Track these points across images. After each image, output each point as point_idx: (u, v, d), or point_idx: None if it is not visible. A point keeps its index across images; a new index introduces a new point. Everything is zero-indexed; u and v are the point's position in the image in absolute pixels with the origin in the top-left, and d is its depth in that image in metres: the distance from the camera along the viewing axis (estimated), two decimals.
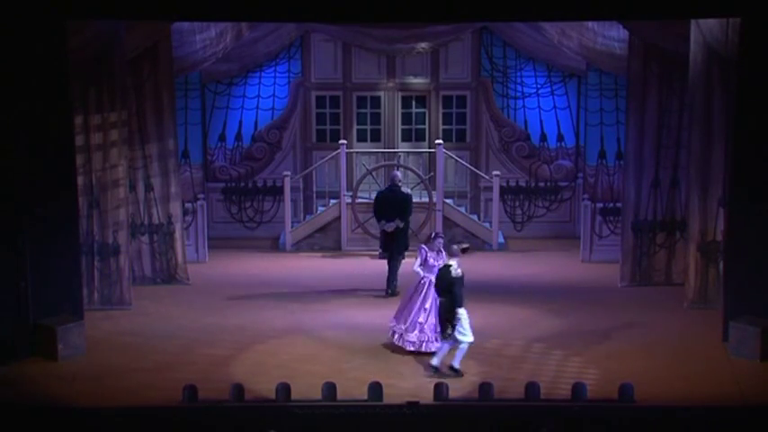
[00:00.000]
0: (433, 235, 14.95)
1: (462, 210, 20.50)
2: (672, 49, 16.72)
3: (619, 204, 18.65)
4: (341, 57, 20.99)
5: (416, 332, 14.53)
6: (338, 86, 21.08)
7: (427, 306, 14.56)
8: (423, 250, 14.77)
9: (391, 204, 17.72)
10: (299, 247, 20.24)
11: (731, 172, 14.98)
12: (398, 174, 18.22)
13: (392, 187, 17.93)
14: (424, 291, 14.64)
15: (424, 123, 21.23)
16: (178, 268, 18.03)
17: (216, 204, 21.03)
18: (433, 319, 14.41)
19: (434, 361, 13.91)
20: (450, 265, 13.88)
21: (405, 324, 14.65)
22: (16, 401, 12.79)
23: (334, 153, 20.21)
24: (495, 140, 21.11)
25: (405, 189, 18.33)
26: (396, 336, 14.77)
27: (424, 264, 14.69)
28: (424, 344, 14.48)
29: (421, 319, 14.54)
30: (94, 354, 14.62)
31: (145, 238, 17.88)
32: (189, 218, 19.18)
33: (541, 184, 21.04)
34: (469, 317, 13.86)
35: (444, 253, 14.39)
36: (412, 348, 14.51)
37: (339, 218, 20.19)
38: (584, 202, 19.57)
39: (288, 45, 20.81)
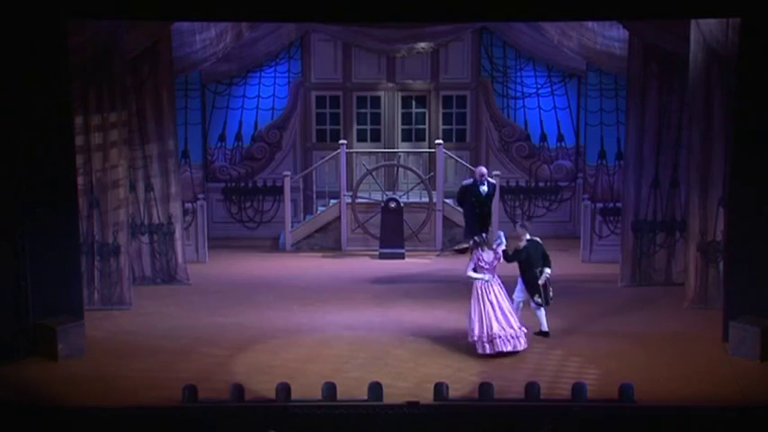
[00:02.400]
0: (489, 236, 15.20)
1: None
2: (672, 49, 16.72)
3: (619, 204, 18.66)
4: (341, 57, 21.00)
5: (506, 334, 14.48)
6: (338, 86, 21.09)
7: (505, 308, 14.59)
8: (476, 254, 14.71)
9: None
10: (299, 247, 20.25)
11: (731, 172, 14.99)
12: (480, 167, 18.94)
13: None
14: (492, 294, 14.61)
15: (424, 123, 21.23)
16: (178, 268, 18.03)
17: (216, 204, 21.03)
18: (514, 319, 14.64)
19: (544, 327, 15.18)
20: (534, 238, 15.19)
21: (493, 330, 14.43)
22: (16, 401, 12.79)
23: (334, 153, 20.22)
24: (495, 140, 21.11)
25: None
26: (484, 346, 14.47)
27: (478, 267, 14.66)
28: (516, 341, 14.58)
29: (505, 321, 14.51)
30: (94, 354, 14.63)
31: (145, 238, 17.89)
32: (189, 218, 19.19)
33: (541, 184, 21.05)
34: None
35: (520, 231, 15.25)
36: (510, 348, 14.48)
37: (339, 218, 20.19)
38: (584, 202, 19.58)
39: (288, 45, 20.82)
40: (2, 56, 13.90)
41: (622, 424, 12.08)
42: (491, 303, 14.56)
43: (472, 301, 14.64)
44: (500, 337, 14.47)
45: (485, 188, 18.38)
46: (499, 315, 14.52)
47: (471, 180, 18.61)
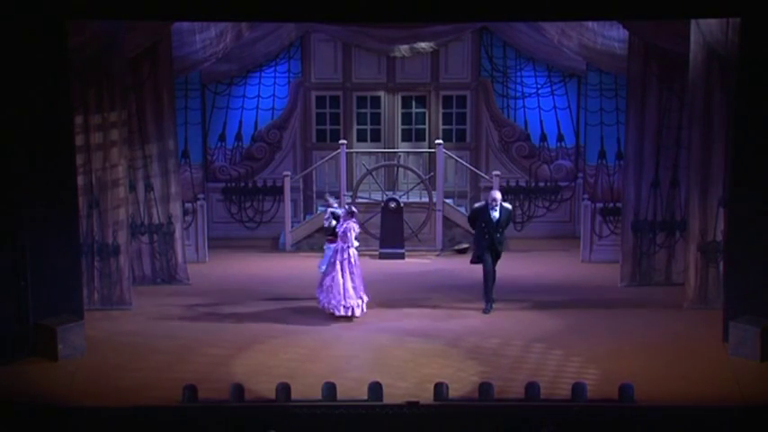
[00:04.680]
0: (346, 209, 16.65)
1: (462, 210, 20.48)
2: (672, 49, 16.72)
3: (619, 204, 18.65)
4: (341, 57, 20.98)
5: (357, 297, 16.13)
6: (338, 86, 21.07)
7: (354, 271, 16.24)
8: (350, 223, 16.28)
9: None
10: (299, 247, 20.23)
11: (731, 172, 14.99)
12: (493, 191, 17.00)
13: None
14: (345, 260, 16.21)
15: (424, 123, 21.22)
16: (178, 268, 18.03)
17: (216, 204, 21.02)
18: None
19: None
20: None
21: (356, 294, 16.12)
22: (16, 401, 12.79)
23: (334, 153, 20.21)
24: (495, 140, 21.10)
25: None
26: (347, 309, 16.04)
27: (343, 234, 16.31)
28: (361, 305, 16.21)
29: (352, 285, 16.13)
30: (94, 354, 14.63)
31: (145, 238, 17.89)
32: (189, 218, 19.18)
33: (541, 184, 21.05)
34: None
35: (331, 200, 17.06)
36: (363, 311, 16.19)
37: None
38: (584, 202, 19.57)
39: (288, 45, 20.80)
40: (2, 55, 13.90)
41: (622, 424, 12.08)
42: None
43: (352, 268, 16.16)
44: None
45: (496, 214, 16.50)
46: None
47: (483, 203, 17.26)
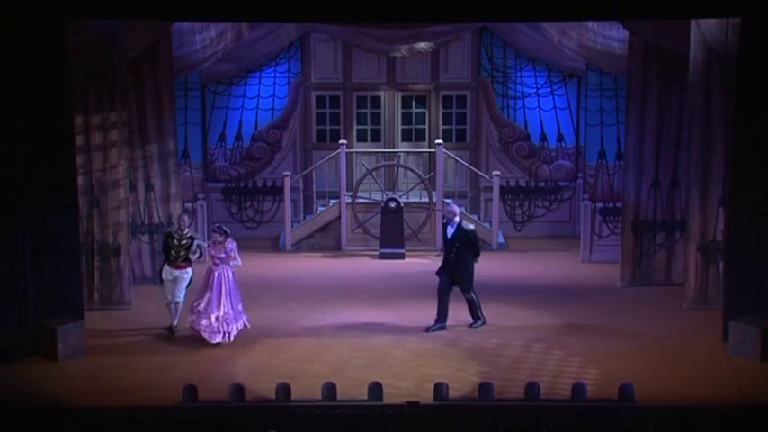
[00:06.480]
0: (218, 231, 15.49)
1: (462, 210, 20.48)
2: (672, 49, 16.73)
3: (619, 204, 18.65)
4: (341, 57, 20.97)
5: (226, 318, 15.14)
6: (338, 86, 21.07)
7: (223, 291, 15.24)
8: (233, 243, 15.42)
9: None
10: (299, 247, 20.23)
11: (731, 172, 15.00)
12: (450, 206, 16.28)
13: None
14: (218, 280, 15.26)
15: (424, 123, 21.22)
16: None
17: (216, 204, 21.01)
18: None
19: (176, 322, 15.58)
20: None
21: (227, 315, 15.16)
22: (16, 401, 12.79)
23: (335, 153, 20.21)
24: (495, 140, 21.10)
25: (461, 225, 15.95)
26: (225, 335, 15.09)
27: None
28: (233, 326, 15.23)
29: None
30: (94, 354, 14.63)
31: (145, 238, 17.89)
32: (189, 218, 19.17)
33: (541, 184, 21.04)
34: None
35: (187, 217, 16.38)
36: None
37: (339, 218, 20.18)
38: (584, 202, 19.57)
39: (288, 45, 20.79)
40: (2, 56, 13.90)
41: (622, 424, 12.09)
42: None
43: (237, 288, 15.35)
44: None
45: (451, 230, 15.82)
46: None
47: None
